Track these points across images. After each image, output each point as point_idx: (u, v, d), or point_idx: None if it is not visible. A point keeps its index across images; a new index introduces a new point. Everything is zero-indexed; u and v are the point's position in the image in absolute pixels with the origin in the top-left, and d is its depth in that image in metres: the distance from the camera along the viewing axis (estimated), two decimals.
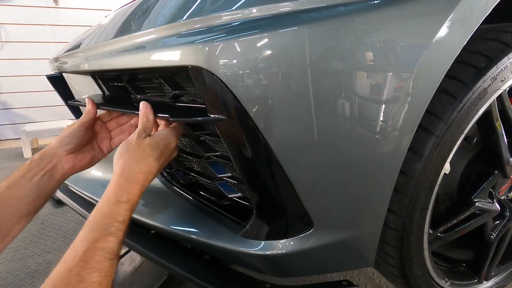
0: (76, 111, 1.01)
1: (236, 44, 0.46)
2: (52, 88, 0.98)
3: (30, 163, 0.61)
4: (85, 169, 0.68)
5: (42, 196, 0.61)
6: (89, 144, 0.69)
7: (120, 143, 0.61)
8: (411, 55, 0.49)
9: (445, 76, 0.52)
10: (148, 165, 0.54)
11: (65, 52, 0.84)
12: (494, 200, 0.78)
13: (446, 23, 0.49)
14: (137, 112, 0.60)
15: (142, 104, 0.60)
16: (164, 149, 0.57)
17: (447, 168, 0.62)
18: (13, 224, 0.57)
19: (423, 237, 0.68)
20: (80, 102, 0.83)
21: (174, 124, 0.63)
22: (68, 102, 0.87)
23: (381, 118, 0.51)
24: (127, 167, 0.53)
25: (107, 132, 0.73)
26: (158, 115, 0.62)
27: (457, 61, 0.52)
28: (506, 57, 0.60)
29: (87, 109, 0.68)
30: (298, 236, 0.60)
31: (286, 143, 0.52)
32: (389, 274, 0.76)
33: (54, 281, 0.41)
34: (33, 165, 0.61)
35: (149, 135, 0.58)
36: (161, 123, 0.64)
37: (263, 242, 0.61)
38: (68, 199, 0.96)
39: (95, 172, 0.97)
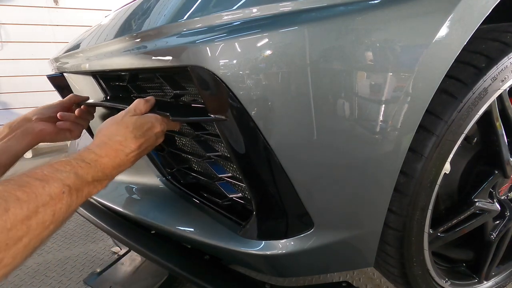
0: None
1: (236, 43, 0.46)
2: (52, 88, 0.98)
3: (4, 127, 0.70)
4: (53, 141, 0.75)
5: (12, 155, 0.67)
6: (61, 121, 0.74)
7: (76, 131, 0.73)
8: (411, 55, 0.49)
9: (445, 76, 0.52)
10: (126, 139, 0.53)
11: (66, 52, 0.84)
12: (494, 200, 0.78)
13: (446, 23, 0.49)
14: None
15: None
16: (147, 131, 0.57)
17: (447, 168, 0.62)
18: None
19: (424, 237, 0.68)
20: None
21: (162, 119, 0.63)
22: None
23: (381, 118, 0.51)
24: (105, 133, 0.54)
25: (84, 120, 0.78)
26: (162, 113, 0.62)
27: (457, 61, 0.52)
28: (506, 57, 0.60)
29: (70, 95, 0.78)
30: (298, 236, 0.60)
31: (286, 143, 0.52)
32: (389, 274, 0.76)
33: None
34: (6, 128, 0.69)
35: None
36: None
37: (263, 242, 0.61)
38: None
39: None
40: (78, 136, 0.77)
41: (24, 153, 0.70)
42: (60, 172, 0.40)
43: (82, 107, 0.78)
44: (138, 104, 0.59)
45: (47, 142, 0.74)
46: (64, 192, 0.39)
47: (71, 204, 0.40)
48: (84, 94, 0.82)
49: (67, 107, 0.76)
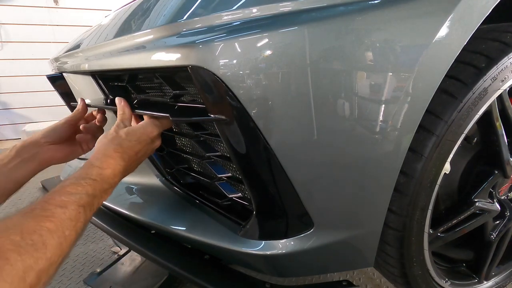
0: None
1: (236, 44, 0.46)
2: (52, 88, 0.98)
3: (11, 150, 0.65)
4: (63, 161, 0.73)
5: (14, 182, 0.64)
6: (70, 139, 0.74)
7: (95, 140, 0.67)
8: (411, 55, 0.49)
9: (445, 76, 0.52)
10: (123, 146, 0.56)
11: (65, 52, 0.84)
12: (494, 200, 0.78)
13: (446, 23, 0.49)
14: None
15: (117, 100, 0.64)
16: (141, 136, 0.59)
17: (447, 168, 0.62)
18: None
19: (424, 237, 0.68)
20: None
21: (156, 120, 0.64)
22: (71, 103, 0.87)
23: (381, 118, 0.51)
24: (102, 146, 0.56)
25: (99, 130, 0.77)
26: (158, 114, 0.62)
27: (458, 61, 0.52)
28: (507, 57, 0.60)
29: (77, 108, 0.74)
30: (298, 236, 0.60)
31: (286, 143, 0.52)
32: (389, 274, 0.76)
33: (19, 212, 0.40)
34: (13, 152, 0.65)
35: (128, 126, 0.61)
36: (145, 118, 0.66)
37: (263, 242, 0.61)
38: None
39: None
40: (91, 148, 0.76)
41: (29, 179, 0.67)
42: (74, 195, 0.45)
43: (98, 116, 0.77)
44: (123, 115, 0.62)
45: (56, 164, 0.72)
46: (80, 212, 0.44)
47: (86, 218, 0.46)
48: (84, 95, 0.82)
49: (74, 124, 0.74)
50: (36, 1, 3.44)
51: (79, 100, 0.75)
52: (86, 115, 0.77)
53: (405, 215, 0.62)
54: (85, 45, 0.77)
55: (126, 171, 0.57)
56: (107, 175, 0.52)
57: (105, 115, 0.79)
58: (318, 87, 0.48)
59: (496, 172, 0.74)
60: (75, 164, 1.07)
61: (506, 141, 0.71)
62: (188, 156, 0.77)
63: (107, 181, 0.51)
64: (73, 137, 0.74)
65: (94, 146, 0.74)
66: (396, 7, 0.48)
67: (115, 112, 0.68)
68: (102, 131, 0.77)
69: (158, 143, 0.64)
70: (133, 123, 0.67)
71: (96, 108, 0.78)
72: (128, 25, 0.65)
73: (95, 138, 0.75)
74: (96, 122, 0.77)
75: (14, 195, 0.64)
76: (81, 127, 0.73)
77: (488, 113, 0.64)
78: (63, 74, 0.90)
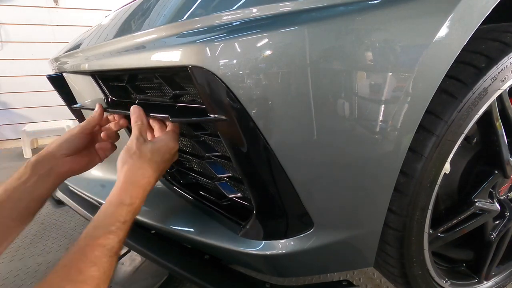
0: (78, 113, 1.01)
1: (236, 44, 0.46)
2: (52, 88, 0.98)
3: (26, 167, 0.61)
4: (81, 172, 0.68)
5: (37, 200, 0.61)
6: (87, 148, 0.68)
7: (115, 149, 0.66)
8: (411, 55, 0.49)
9: (445, 76, 0.52)
10: (150, 170, 0.55)
11: (65, 52, 0.84)
12: (494, 200, 0.78)
13: (446, 23, 0.49)
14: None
15: (134, 108, 0.61)
16: (165, 154, 0.58)
17: (447, 168, 0.62)
18: (10, 228, 0.57)
19: (424, 237, 0.68)
20: (82, 106, 0.83)
21: (171, 127, 0.62)
22: (72, 106, 0.87)
23: (381, 118, 0.51)
24: (131, 172, 0.54)
25: (110, 139, 0.71)
26: (158, 115, 0.62)
27: (457, 61, 0.52)
28: (506, 57, 0.60)
29: (94, 115, 0.68)
30: (298, 236, 0.60)
31: (286, 143, 0.52)
32: (389, 274, 0.76)
33: (56, 271, 0.42)
34: (29, 169, 0.60)
35: (147, 139, 0.59)
36: (155, 126, 0.64)
37: (263, 242, 0.61)
38: (68, 199, 0.96)
39: (95, 172, 0.97)
40: (108, 155, 0.71)
41: (50, 194, 0.64)
42: (106, 247, 0.47)
43: (121, 121, 0.70)
44: (141, 126, 0.59)
45: (75, 175, 0.68)
46: (113, 260, 0.47)
47: (118, 253, 0.49)
48: (84, 95, 0.82)
49: (89, 131, 0.68)
50: (36, 1, 3.44)
51: (96, 106, 0.69)
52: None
53: (405, 215, 0.62)
54: (85, 45, 0.77)
55: (149, 191, 0.56)
56: (136, 209, 0.52)
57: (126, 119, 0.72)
58: (318, 87, 0.48)
59: (496, 172, 0.74)
60: None
61: (506, 141, 0.71)
62: (188, 156, 0.77)
63: (135, 213, 0.52)
64: (90, 145, 0.69)
65: (111, 153, 0.71)
66: (396, 7, 0.48)
67: (126, 117, 0.67)
68: (118, 137, 0.72)
69: (176, 157, 0.62)
70: (148, 134, 0.64)
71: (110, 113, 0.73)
72: (128, 25, 0.65)
73: (113, 145, 0.71)
74: (113, 127, 0.70)
75: None
76: (102, 134, 0.68)
77: (488, 113, 0.64)
78: (63, 74, 0.90)
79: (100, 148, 0.70)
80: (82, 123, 0.67)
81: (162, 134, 0.61)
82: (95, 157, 0.70)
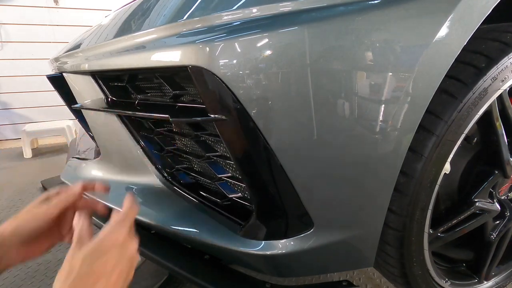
0: (78, 113, 1.01)
1: (236, 44, 0.46)
2: (52, 88, 0.98)
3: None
4: (35, 258, 0.54)
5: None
6: (50, 230, 0.54)
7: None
8: (411, 55, 0.49)
9: (445, 76, 0.52)
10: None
11: (65, 52, 0.84)
12: (494, 200, 0.78)
13: (446, 23, 0.49)
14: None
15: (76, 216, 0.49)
16: (111, 249, 0.45)
17: (447, 168, 0.62)
18: None
19: (424, 237, 0.68)
20: (82, 106, 0.83)
21: (118, 218, 0.50)
22: (72, 106, 0.87)
23: (381, 118, 0.51)
24: None
25: (72, 216, 0.55)
26: (158, 115, 0.62)
27: (457, 61, 0.52)
28: (506, 57, 0.60)
29: (74, 193, 0.55)
30: (298, 236, 0.60)
31: (286, 143, 0.52)
32: (389, 274, 0.76)
33: None
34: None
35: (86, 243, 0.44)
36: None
37: (263, 242, 0.61)
38: None
39: (95, 172, 0.97)
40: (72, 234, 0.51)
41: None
42: None
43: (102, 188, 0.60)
44: (81, 228, 0.46)
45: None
46: None
47: None
48: (84, 95, 0.82)
49: (56, 215, 0.54)
50: (36, 1, 3.44)
51: (78, 185, 0.57)
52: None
53: (405, 215, 0.62)
54: (85, 45, 0.77)
55: None
56: None
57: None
58: (318, 87, 0.48)
59: (496, 172, 0.74)
60: (75, 164, 1.07)
61: (506, 141, 0.71)
62: (188, 156, 0.77)
63: None
64: (53, 227, 0.54)
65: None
66: (396, 7, 0.48)
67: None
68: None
69: (137, 259, 0.50)
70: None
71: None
72: (128, 25, 0.65)
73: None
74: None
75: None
76: (77, 213, 0.51)
77: (488, 113, 0.64)
78: (63, 74, 0.89)
79: (71, 233, 0.53)
80: (54, 202, 0.54)
81: (103, 230, 0.47)
82: (55, 240, 0.56)
